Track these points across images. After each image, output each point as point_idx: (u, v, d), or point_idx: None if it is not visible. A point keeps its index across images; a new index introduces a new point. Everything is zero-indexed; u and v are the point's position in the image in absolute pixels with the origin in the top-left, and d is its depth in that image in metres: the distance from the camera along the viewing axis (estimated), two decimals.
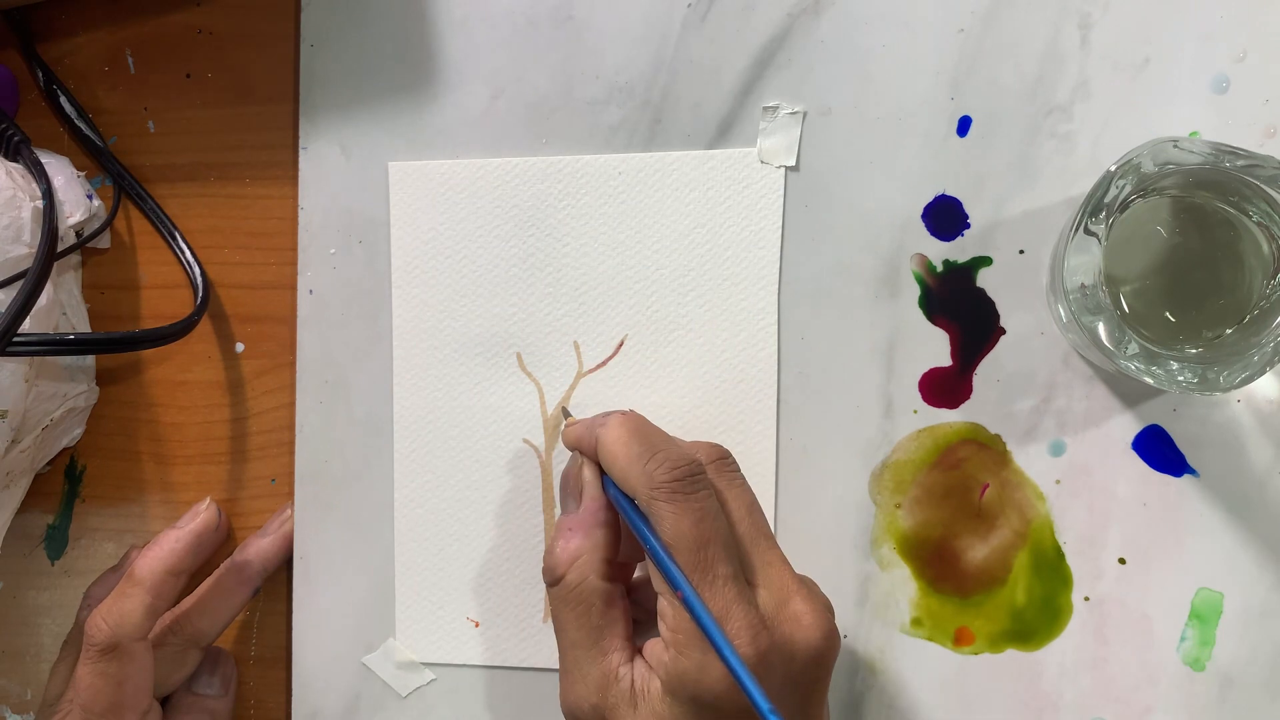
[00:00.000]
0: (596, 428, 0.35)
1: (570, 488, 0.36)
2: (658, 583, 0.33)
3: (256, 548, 0.43)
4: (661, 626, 0.33)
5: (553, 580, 0.34)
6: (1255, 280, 0.34)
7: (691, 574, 0.32)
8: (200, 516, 0.42)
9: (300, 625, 0.44)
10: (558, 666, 0.35)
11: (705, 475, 0.33)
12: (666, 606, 0.32)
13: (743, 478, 0.35)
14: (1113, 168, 0.34)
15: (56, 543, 0.46)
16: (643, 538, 0.33)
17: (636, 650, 0.34)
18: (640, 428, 0.35)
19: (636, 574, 0.39)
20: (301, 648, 0.44)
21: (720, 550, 0.32)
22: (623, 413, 0.36)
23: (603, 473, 0.35)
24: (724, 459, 0.35)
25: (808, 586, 0.34)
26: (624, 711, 0.32)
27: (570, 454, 0.38)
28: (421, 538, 0.43)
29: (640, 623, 0.37)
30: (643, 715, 0.32)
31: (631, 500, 0.34)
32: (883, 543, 0.40)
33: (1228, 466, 0.39)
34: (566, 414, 0.42)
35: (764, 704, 0.29)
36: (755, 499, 0.35)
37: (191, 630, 0.41)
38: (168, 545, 0.41)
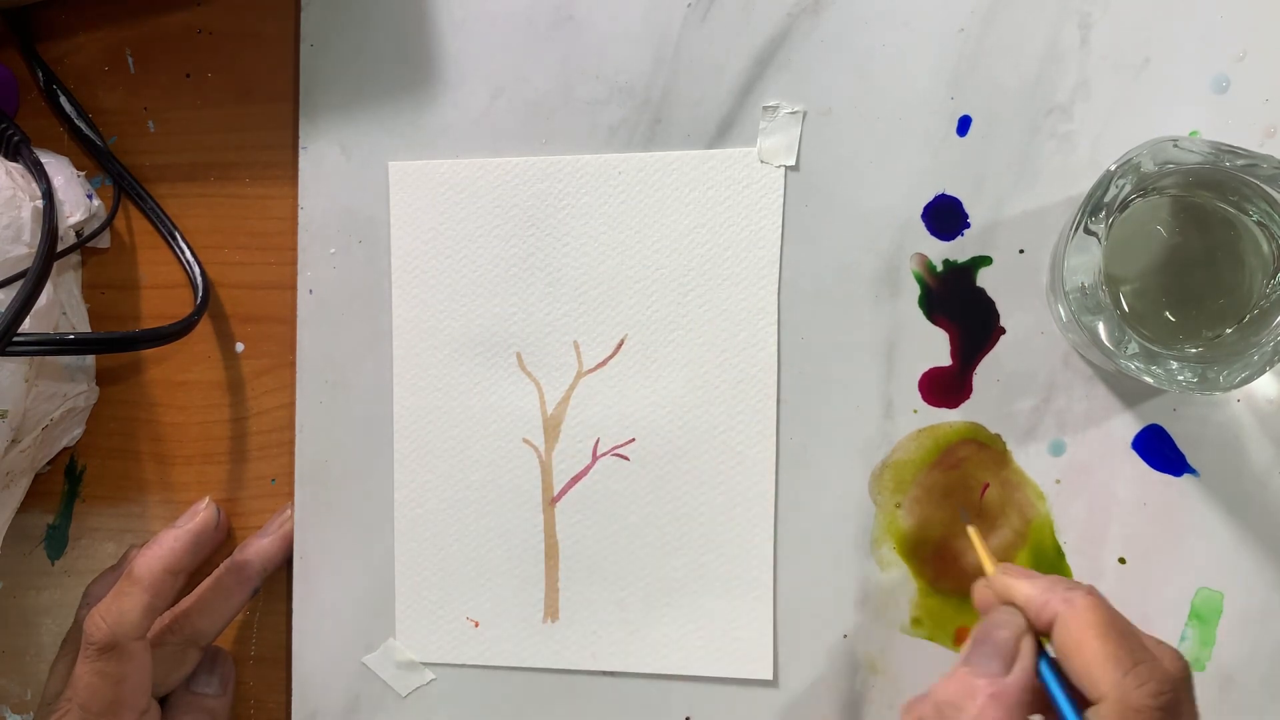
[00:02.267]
0: (1058, 603, 0.32)
1: (997, 644, 0.32)
2: None
3: (256, 548, 0.43)
4: None
5: None
6: (1255, 280, 0.34)
7: None
8: (199, 516, 0.42)
9: (300, 625, 0.44)
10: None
11: (1185, 703, 0.30)
12: None
13: (1194, 704, 0.31)
14: (1113, 167, 0.34)
15: (56, 543, 0.46)
16: None
17: None
18: (1115, 622, 0.31)
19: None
20: (301, 648, 0.44)
21: None
22: (1089, 594, 0.32)
23: (1044, 656, 0.32)
24: (1188, 679, 0.31)
25: None
26: None
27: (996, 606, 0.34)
28: (421, 538, 0.43)
29: None
30: None
31: (1074, 698, 0.31)
32: (883, 543, 0.40)
33: (1228, 466, 0.39)
34: (973, 534, 0.37)
35: None
36: None
37: (191, 630, 0.41)
38: (167, 544, 0.40)
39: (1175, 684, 0.30)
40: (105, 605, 0.39)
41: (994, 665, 0.32)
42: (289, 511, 0.44)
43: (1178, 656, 0.31)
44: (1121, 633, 0.31)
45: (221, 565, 0.43)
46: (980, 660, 0.32)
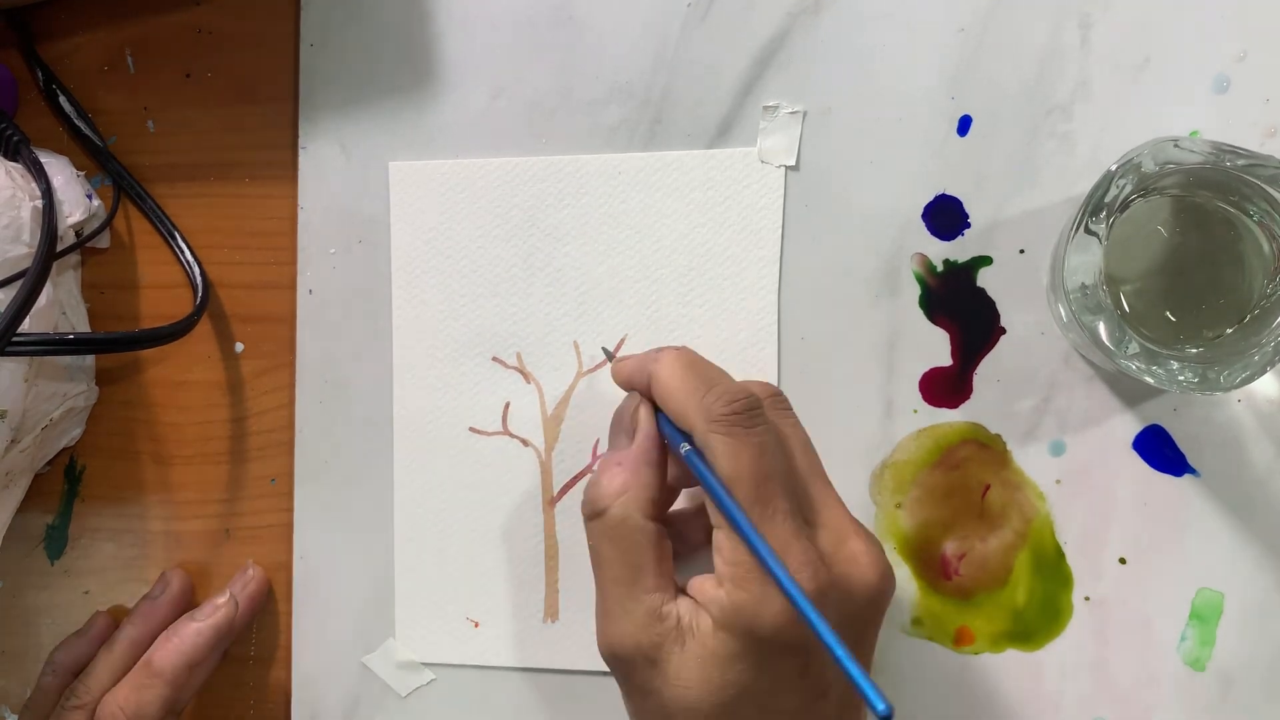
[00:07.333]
0: (650, 364, 0.35)
1: (624, 424, 0.36)
2: (715, 517, 0.32)
3: (226, 615, 0.42)
4: (717, 560, 0.32)
5: (593, 513, 0.34)
6: (1255, 280, 0.34)
7: (750, 509, 0.31)
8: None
9: (300, 625, 0.44)
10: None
11: (763, 410, 0.33)
12: (724, 540, 0.32)
13: (796, 416, 0.35)
14: (1113, 167, 0.34)
15: (56, 543, 0.46)
16: (699, 473, 0.32)
17: (679, 588, 0.33)
18: (695, 362, 0.34)
19: (674, 506, 0.38)
20: (301, 648, 0.44)
21: (779, 486, 0.32)
22: (675, 348, 0.35)
23: (657, 411, 0.35)
24: (777, 396, 0.35)
25: (864, 529, 0.34)
26: (671, 648, 0.32)
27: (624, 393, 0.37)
28: (421, 538, 0.43)
29: (678, 556, 0.36)
30: (691, 651, 0.32)
31: (687, 436, 0.33)
32: (883, 543, 0.40)
33: (1228, 466, 0.39)
34: (608, 354, 0.41)
35: (829, 635, 0.28)
36: (809, 438, 0.35)
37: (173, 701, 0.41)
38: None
39: (747, 394, 0.33)
40: (125, 697, 0.39)
41: (621, 440, 0.35)
42: (251, 572, 0.43)
43: (765, 384, 0.35)
44: (700, 369, 0.34)
45: None
46: (613, 441, 0.36)
